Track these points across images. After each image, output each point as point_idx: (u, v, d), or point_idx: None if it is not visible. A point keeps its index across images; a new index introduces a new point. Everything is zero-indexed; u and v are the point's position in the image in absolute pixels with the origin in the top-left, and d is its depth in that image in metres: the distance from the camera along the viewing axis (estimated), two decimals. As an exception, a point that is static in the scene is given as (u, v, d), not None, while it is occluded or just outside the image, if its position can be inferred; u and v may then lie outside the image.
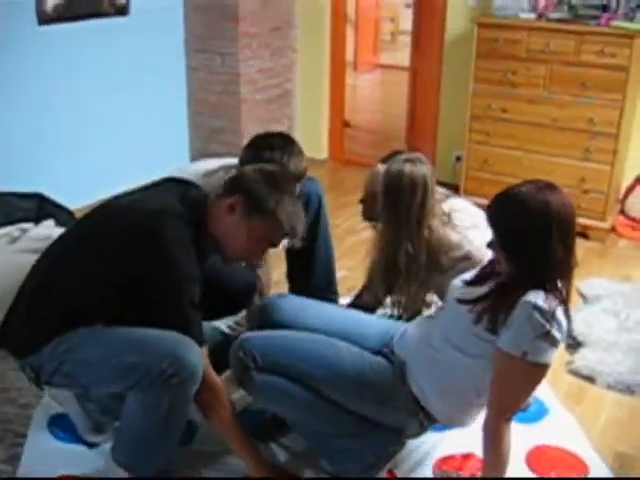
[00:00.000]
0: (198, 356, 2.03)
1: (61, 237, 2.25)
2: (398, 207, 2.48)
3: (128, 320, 2.08)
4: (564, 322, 1.93)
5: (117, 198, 2.27)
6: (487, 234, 2.28)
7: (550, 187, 1.99)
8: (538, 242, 1.93)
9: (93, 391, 2.25)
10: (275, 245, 2.21)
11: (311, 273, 3.03)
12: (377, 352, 2.26)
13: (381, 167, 2.54)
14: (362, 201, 2.63)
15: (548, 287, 1.93)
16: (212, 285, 2.20)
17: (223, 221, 2.13)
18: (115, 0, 4.42)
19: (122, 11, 4.48)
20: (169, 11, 4.84)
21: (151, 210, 2.08)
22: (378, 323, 2.45)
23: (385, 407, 2.18)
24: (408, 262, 2.52)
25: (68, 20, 4.16)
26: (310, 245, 2.97)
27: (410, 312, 2.66)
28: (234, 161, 2.71)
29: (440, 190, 2.70)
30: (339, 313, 2.50)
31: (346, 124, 6.56)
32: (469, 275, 2.20)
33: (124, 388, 2.05)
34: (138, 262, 2.02)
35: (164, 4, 4.79)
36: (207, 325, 2.43)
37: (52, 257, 2.18)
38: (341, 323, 2.38)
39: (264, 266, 2.96)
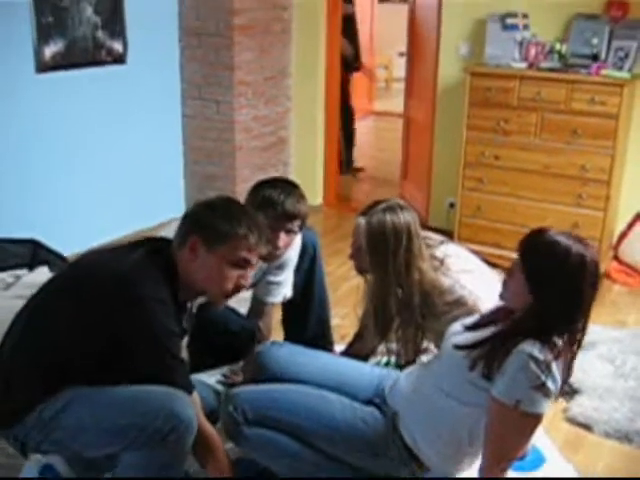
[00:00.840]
0: (191, 407, 2.01)
1: (35, 296, 2.16)
2: (384, 257, 2.48)
3: (111, 377, 2.03)
4: (558, 376, 1.92)
5: (91, 254, 2.24)
6: (481, 280, 2.28)
7: (586, 243, 1.99)
8: (568, 292, 1.93)
9: (85, 455, 2.18)
10: (252, 262, 2.15)
11: (306, 322, 3.03)
12: (369, 402, 2.25)
13: (362, 220, 2.53)
14: (351, 257, 2.63)
15: (544, 339, 1.92)
16: (214, 335, 2.19)
17: (193, 266, 2.09)
18: (112, 49, 4.48)
19: (119, 60, 4.55)
20: (166, 60, 4.92)
21: (126, 269, 2.03)
22: (371, 372, 2.44)
23: (377, 458, 2.17)
24: (399, 308, 2.52)
25: (66, 68, 4.22)
26: (305, 294, 2.99)
27: (405, 359, 2.64)
28: None
29: (434, 236, 2.71)
30: (332, 363, 2.49)
31: (359, 169, 6.66)
32: (470, 320, 2.20)
33: (119, 449, 2.00)
34: (116, 320, 1.97)
35: (161, 53, 4.86)
36: (198, 382, 2.41)
37: (27, 318, 2.10)
38: (334, 373, 2.37)
39: (266, 316, 2.95)
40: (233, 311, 2.84)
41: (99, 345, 1.99)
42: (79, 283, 2.09)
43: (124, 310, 1.97)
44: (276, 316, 3.13)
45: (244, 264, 2.12)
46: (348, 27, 5.84)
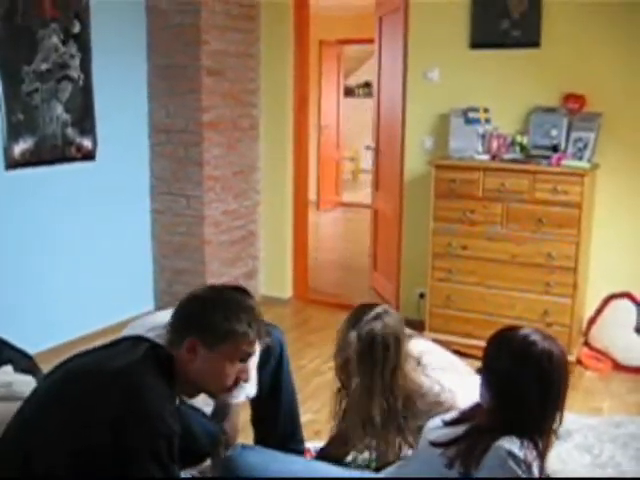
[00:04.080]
0: None
1: (30, 398, 2.05)
2: (372, 367, 2.47)
3: None
4: (537, 475, 1.89)
5: (77, 358, 2.13)
6: (457, 377, 2.27)
7: (550, 337, 1.99)
8: (537, 392, 1.91)
9: None
10: (252, 354, 2.11)
11: (275, 421, 2.98)
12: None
13: (353, 334, 2.49)
14: (338, 370, 2.60)
15: (525, 436, 1.90)
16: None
17: (192, 365, 2.03)
18: (82, 146, 4.52)
19: (89, 156, 4.59)
20: (135, 156, 4.97)
21: (122, 368, 1.95)
22: (343, 477, 2.38)
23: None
24: (384, 415, 2.49)
25: (35, 165, 4.23)
26: (273, 393, 2.94)
27: (385, 460, 2.59)
28: None
29: (407, 331, 2.70)
30: (304, 470, 2.44)
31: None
32: (449, 416, 2.17)
33: None
34: (115, 421, 1.86)
35: (131, 149, 4.92)
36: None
37: (20, 424, 1.99)
38: None
39: (230, 417, 2.89)
40: (198, 411, 2.78)
41: (92, 452, 1.87)
42: (74, 388, 1.98)
43: (128, 410, 1.87)
44: (246, 415, 3.07)
45: (246, 358, 2.09)
46: None
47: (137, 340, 2.16)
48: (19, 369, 3.45)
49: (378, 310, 2.53)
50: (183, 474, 2.80)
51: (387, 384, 2.47)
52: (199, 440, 2.67)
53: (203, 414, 2.83)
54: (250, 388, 2.83)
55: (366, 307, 2.56)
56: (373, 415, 2.49)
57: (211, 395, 2.18)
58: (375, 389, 2.47)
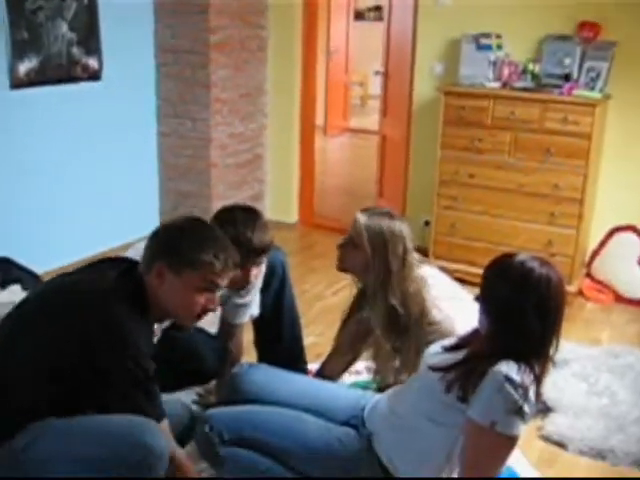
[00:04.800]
0: (161, 437, 1.97)
1: (6, 319, 2.11)
2: (384, 257, 2.49)
3: (80, 406, 2.00)
4: (533, 400, 1.93)
5: (61, 276, 2.20)
6: (459, 305, 2.29)
7: (548, 263, 1.99)
8: (535, 317, 1.92)
9: None
10: (220, 286, 2.13)
11: (278, 343, 3.02)
12: (345, 423, 2.25)
13: (361, 217, 2.54)
14: (340, 247, 2.62)
15: (523, 361, 1.93)
16: (183, 357, 2.16)
17: (160, 291, 2.07)
18: (88, 65, 4.47)
19: (95, 76, 4.53)
20: (142, 77, 4.91)
21: (100, 289, 2.01)
22: (347, 395, 2.43)
23: (351, 476, 2.15)
24: (388, 313, 2.52)
25: (41, 84, 4.19)
26: (275, 315, 2.98)
27: (385, 381, 2.64)
28: None
29: (415, 255, 2.72)
30: (308, 386, 2.48)
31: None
32: (448, 342, 2.20)
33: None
34: (89, 341, 1.94)
35: (137, 70, 4.85)
36: (173, 400, 2.38)
37: None
38: (310, 396, 2.37)
39: (235, 337, 2.94)
40: (203, 332, 2.82)
41: (70, 368, 1.95)
42: (51, 304, 2.06)
43: (97, 331, 1.95)
44: (249, 337, 3.12)
45: (212, 288, 2.10)
46: None
47: (116, 262, 2.20)
48: (27, 288, 3.51)
49: (391, 211, 2.59)
50: (188, 393, 2.88)
51: (394, 283, 2.49)
52: (205, 360, 2.73)
53: (208, 334, 2.89)
54: (254, 309, 2.88)
55: (379, 208, 2.61)
56: (375, 315, 2.55)
57: (180, 323, 2.20)
58: (381, 283, 2.51)
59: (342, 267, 2.64)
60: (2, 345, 2.05)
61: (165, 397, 2.13)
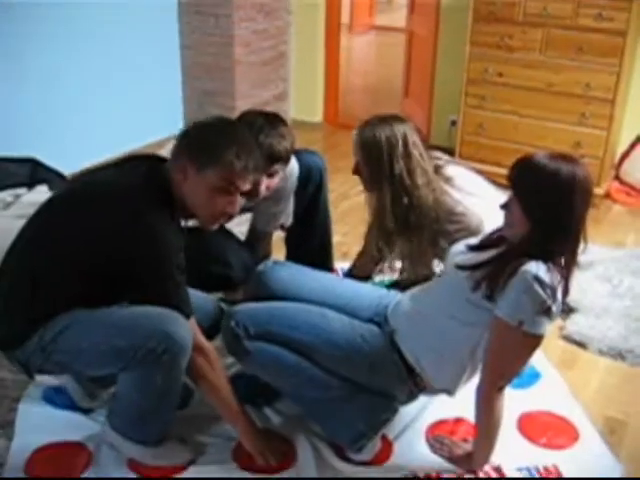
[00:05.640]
0: (186, 329, 2.01)
1: (36, 214, 2.14)
2: (379, 165, 2.45)
3: (111, 298, 2.05)
4: (560, 299, 1.94)
5: (90, 173, 2.23)
6: (487, 204, 2.26)
7: (575, 160, 1.96)
8: (563, 212, 1.92)
9: (86, 374, 2.26)
10: (240, 189, 2.11)
11: (308, 247, 3.01)
12: (369, 320, 2.28)
13: (356, 138, 2.50)
14: (354, 172, 2.60)
15: (551, 260, 1.93)
16: (210, 260, 2.18)
17: (183, 188, 2.08)
18: (107, -41, 4.35)
19: (114, -29, 4.42)
20: (162, -29, 4.78)
21: (128, 186, 2.03)
22: (371, 293, 2.45)
23: (374, 373, 2.20)
24: (404, 218, 2.50)
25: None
26: (308, 217, 2.96)
27: (414, 275, 2.64)
28: None
29: (443, 156, 2.68)
30: (333, 284, 2.50)
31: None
32: (473, 241, 2.20)
33: (117, 370, 2.05)
34: (120, 236, 1.97)
35: (157, -36, 4.72)
36: (202, 295, 2.43)
37: (29, 237, 2.11)
38: (335, 293, 2.39)
39: (264, 244, 2.94)
40: (233, 238, 2.82)
41: (101, 262, 1.99)
42: (80, 200, 2.09)
43: (128, 226, 1.97)
44: (279, 234, 3.12)
45: (231, 190, 2.09)
46: None
47: (144, 159, 2.21)
48: (53, 189, 3.53)
49: (384, 115, 2.51)
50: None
51: (405, 183, 2.45)
52: (232, 268, 2.74)
53: (239, 241, 2.90)
54: (285, 218, 2.87)
55: (378, 115, 2.53)
56: (386, 224, 2.52)
57: (201, 223, 2.20)
58: (388, 189, 2.47)
59: (365, 186, 2.61)
60: (34, 240, 2.09)
61: (193, 292, 2.16)
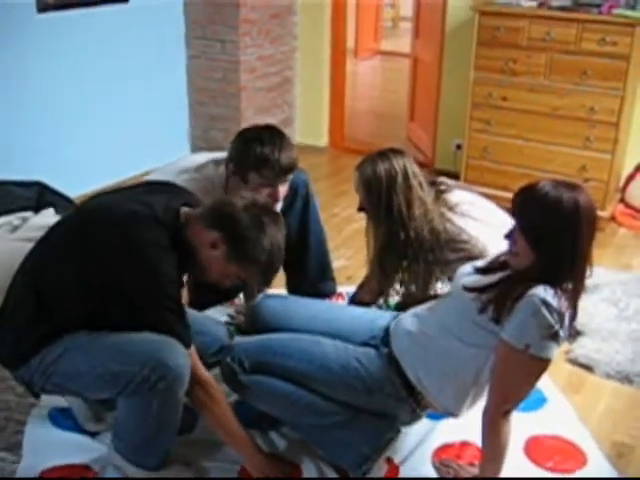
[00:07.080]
0: (184, 357, 2.01)
1: (44, 238, 2.17)
2: (378, 198, 2.49)
3: (112, 325, 2.05)
4: (567, 324, 1.94)
5: (96, 199, 2.24)
6: (491, 229, 2.27)
7: (577, 187, 1.97)
8: (568, 241, 1.92)
9: (85, 396, 2.27)
10: (246, 284, 2.20)
11: (305, 262, 3.03)
12: (364, 344, 2.29)
13: (355, 175, 2.56)
14: (359, 210, 2.64)
15: (558, 285, 1.93)
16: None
17: (203, 250, 2.07)
18: (115, -13, 4.40)
19: (122, -2, 4.47)
20: (169, -2, 4.83)
21: (127, 215, 2.04)
22: (363, 316, 2.47)
23: (371, 395, 2.20)
24: (404, 248, 2.53)
25: (67, 8, 4.14)
26: (301, 234, 2.98)
27: (414, 297, 2.65)
28: (223, 155, 2.70)
29: (449, 182, 2.70)
30: (325, 310, 2.54)
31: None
32: (480, 263, 2.20)
33: (114, 394, 2.05)
34: (116, 266, 1.98)
35: (164, -9, 4.77)
36: (212, 319, 2.45)
37: (35, 260, 2.13)
38: (328, 320, 2.42)
39: None
40: None
41: (102, 292, 2.00)
42: (86, 227, 2.09)
43: (128, 255, 1.98)
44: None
45: (239, 280, 2.17)
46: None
47: (159, 188, 2.24)
48: (59, 212, 3.55)
49: (382, 150, 2.56)
50: (217, 311, 2.93)
51: (404, 215, 2.48)
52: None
53: None
54: None
55: (375, 151, 2.58)
56: (385, 265, 2.57)
57: (196, 276, 2.25)
58: (388, 223, 2.51)
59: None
60: (41, 261, 2.11)
61: (204, 316, 2.18)
